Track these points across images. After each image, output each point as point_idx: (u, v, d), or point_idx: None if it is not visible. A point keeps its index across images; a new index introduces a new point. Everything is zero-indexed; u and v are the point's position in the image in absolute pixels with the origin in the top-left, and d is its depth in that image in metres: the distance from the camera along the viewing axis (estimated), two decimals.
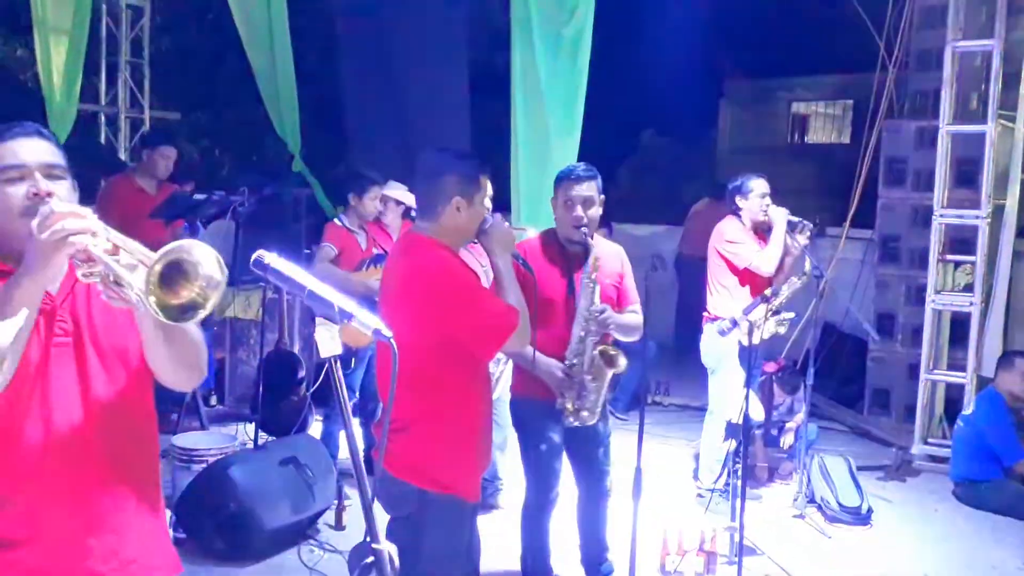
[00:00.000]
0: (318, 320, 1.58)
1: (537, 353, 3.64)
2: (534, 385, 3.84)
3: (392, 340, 1.64)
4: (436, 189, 3.00)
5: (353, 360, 5.41)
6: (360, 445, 4.71)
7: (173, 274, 1.60)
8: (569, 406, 3.80)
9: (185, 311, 1.62)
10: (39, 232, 1.68)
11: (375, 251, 5.58)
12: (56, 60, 7.79)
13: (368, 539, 1.64)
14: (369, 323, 1.59)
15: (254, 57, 8.15)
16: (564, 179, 3.92)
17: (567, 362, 3.79)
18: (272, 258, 1.60)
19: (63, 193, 1.88)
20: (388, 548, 1.65)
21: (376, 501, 2.89)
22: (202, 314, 1.63)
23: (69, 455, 1.89)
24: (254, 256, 1.59)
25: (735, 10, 15.15)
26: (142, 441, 2.06)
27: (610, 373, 3.82)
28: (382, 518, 2.80)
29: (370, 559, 1.63)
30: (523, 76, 6.23)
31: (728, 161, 14.86)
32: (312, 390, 5.92)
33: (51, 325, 1.89)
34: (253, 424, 5.48)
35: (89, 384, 1.92)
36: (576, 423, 3.83)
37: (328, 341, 1.57)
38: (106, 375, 1.95)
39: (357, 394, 5.60)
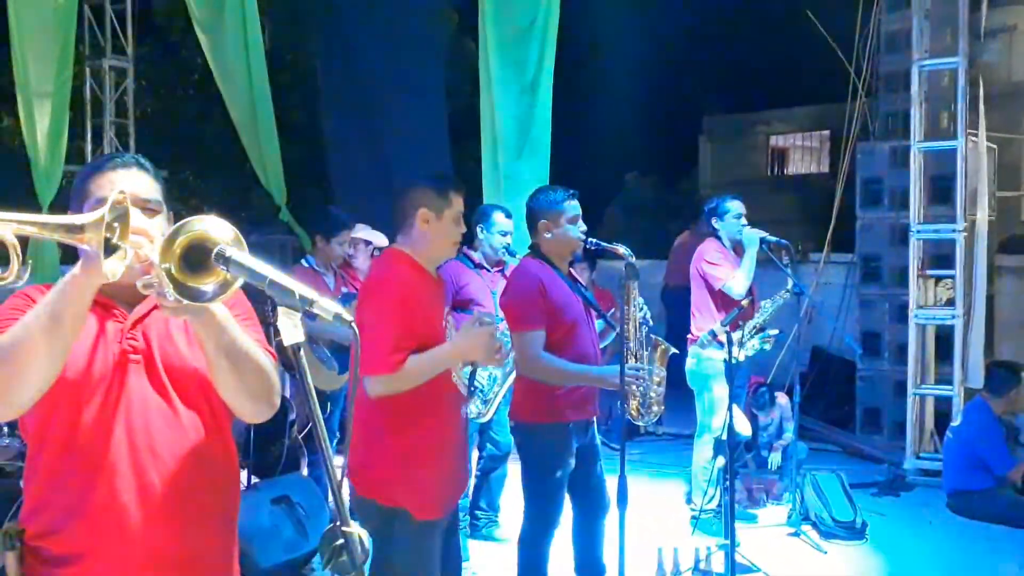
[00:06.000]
0: (280, 309, 1.62)
1: (594, 368, 3.82)
2: (549, 410, 3.80)
3: (354, 325, 1.68)
4: (405, 202, 3.10)
5: (329, 404, 5.40)
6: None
7: (195, 256, 1.63)
8: (635, 406, 3.95)
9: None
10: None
11: (344, 290, 5.48)
12: (40, 123, 7.89)
13: (338, 523, 1.67)
14: (330, 309, 1.64)
15: (236, 114, 8.29)
16: (565, 199, 3.92)
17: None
18: (232, 251, 1.64)
19: (156, 229, 1.83)
20: (358, 531, 1.67)
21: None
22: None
23: (143, 473, 1.87)
24: (216, 249, 1.63)
25: (711, 49, 15.47)
26: (219, 474, 2.01)
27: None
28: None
29: (340, 542, 1.65)
30: (490, 120, 6.45)
31: (710, 197, 15.09)
32: (303, 433, 5.90)
33: (122, 341, 1.89)
34: (244, 469, 5.46)
35: (164, 405, 1.90)
36: (645, 421, 3.99)
37: (291, 329, 1.61)
38: (181, 399, 1.92)
39: (338, 434, 5.61)
